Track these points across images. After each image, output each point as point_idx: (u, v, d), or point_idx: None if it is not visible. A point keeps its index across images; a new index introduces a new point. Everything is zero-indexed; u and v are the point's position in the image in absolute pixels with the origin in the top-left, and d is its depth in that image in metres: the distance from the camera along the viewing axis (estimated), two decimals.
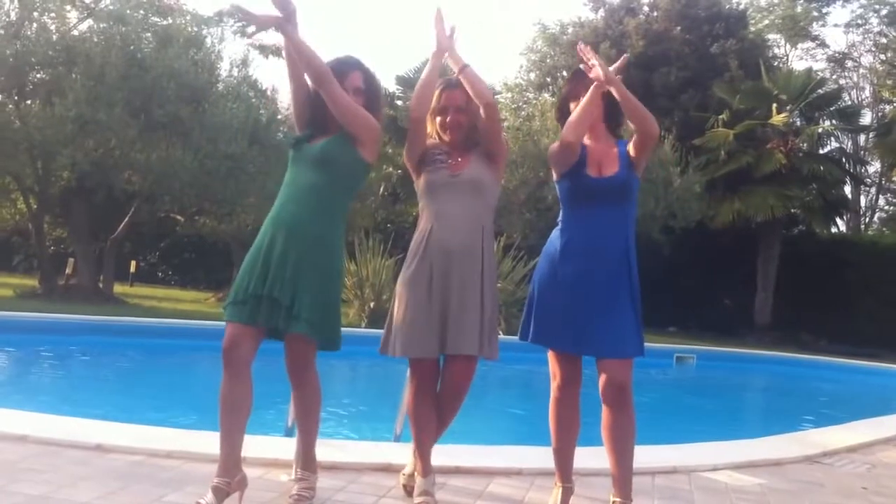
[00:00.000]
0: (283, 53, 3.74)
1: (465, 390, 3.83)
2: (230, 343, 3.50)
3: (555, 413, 3.85)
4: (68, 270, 18.48)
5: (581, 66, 3.80)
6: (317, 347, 3.64)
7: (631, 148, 3.78)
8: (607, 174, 3.75)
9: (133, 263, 22.60)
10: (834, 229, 24.89)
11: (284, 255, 3.54)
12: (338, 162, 3.65)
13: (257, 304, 3.52)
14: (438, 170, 3.84)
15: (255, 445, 4.13)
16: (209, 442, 3.69)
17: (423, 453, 3.83)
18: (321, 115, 3.71)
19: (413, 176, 3.99)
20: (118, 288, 18.19)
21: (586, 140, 3.84)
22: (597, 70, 3.65)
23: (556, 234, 3.84)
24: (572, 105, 3.82)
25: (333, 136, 3.67)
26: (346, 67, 3.72)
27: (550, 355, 3.83)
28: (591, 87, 3.69)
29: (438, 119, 3.90)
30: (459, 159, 3.86)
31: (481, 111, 3.81)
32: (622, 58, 3.90)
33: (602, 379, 3.69)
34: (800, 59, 33.97)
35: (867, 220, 33.01)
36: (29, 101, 15.80)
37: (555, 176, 3.89)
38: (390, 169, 22.05)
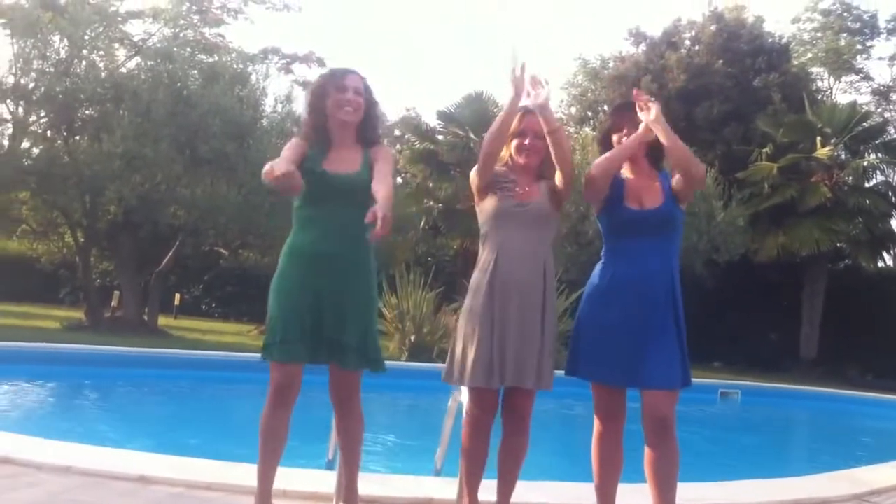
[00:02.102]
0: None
1: (527, 425, 3.83)
2: (285, 382, 3.56)
3: (598, 449, 3.81)
4: (114, 303, 18.71)
5: (634, 101, 3.78)
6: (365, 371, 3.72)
7: (675, 184, 3.77)
8: (649, 206, 3.73)
9: (177, 296, 22.81)
10: (881, 263, 24.52)
11: (337, 292, 3.60)
12: (370, 185, 3.65)
13: (314, 343, 3.57)
14: (506, 197, 3.80)
15: (296, 478, 4.14)
16: (248, 474, 3.71)
17: (471, 488, 3.82)
18: (323, 124, 3.73)
19: (476, 197, 3.94)
20: (162, 320, 18.37)
21: (626, 173, 3.83)
22: (654, 112, 3.63)
23: (599, 268, 3.83)
24: (615, 138, 3.82)
25: (363, 168, 3.69)
26: (344, 70, 3.78)
27: (595, 390, 3.79)
28: (641, 128, 3.68)
29: (516, 142, 3.86)
30: (527, 188, 3.83)
31: (559, 176, 3.82)
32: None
33: (645, 411, 3.67)
34: (844, 93, 33.66)
35: None
36: (77, 137, 16.12)
37: (595, 210, 3.88)
38: (431, 203, 22.11)
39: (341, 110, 3.69)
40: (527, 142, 3.82)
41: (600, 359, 3.70)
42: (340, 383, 3.71)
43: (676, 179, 3.76)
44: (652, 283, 3.68)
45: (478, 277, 3.80)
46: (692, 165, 3.70)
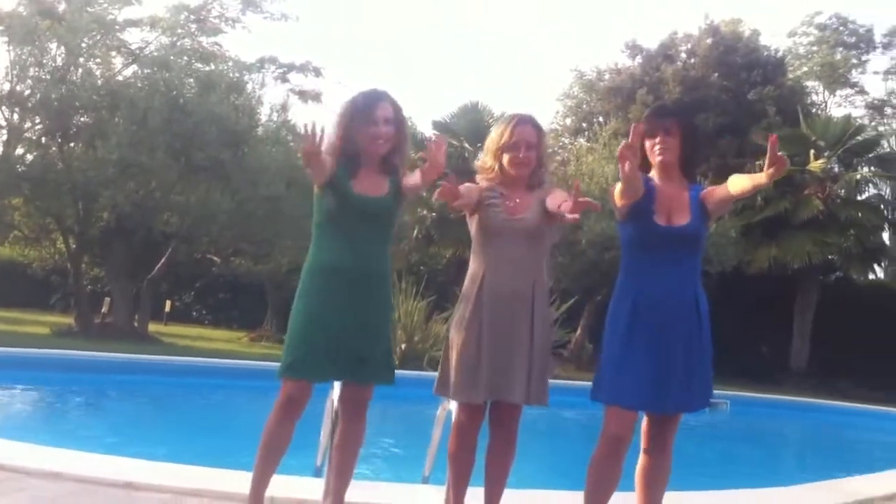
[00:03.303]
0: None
1: (514, 436, 3.82)
2: (298, 396, 3.59)
3: (599, 470, 3.62)
4: (104, 309, 18.69)
5: (660, 103, 3.67)
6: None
7: (710, 200, 3.65)
8: (678, 223, 3.61)
9: (168, 303, 22.81)
10: (872, 276, 24.60)
11: (361, 309, 3.64)
12: (395, 215, 3.80)
13: (336, 363, 3.61)
14: (495, 214, 3.77)
15: (283, 485, 4.14)
16: (238, 481, 3.72)
17: (457, 495, 3.84)
18: (354, 151, 3.76)
19: (466, 214, 3.93)
20: (153, 327, 18.36)
21: (657, 180, 3.70)
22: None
23: (624, 285, 3.68)
24: (647, 144, 3.67)
25: (392, 194, 3.75)
26: (374, 99, 3.76)
27: (612, 412, 3.58)
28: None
29: (508, 154, 3.79)
30: (518, 200, 3.80)
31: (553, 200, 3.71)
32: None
33: (655, 430, 3.69)
34: (838, 106, 33.83)
35: None
36: (72, 144, 16.14)
37: (618, 216, 3.72)
38: (424, 212, 22.12)
39: (374, 144, 3.72)
40: (521, 154, 3.78)
41: (623, 383, 3.54)
42: (356, 396, 3.77)
43: (720, 200, 3.64)
44: (679, 303, 3.59)
45: (468, 287, 3.81)
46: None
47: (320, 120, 3.53)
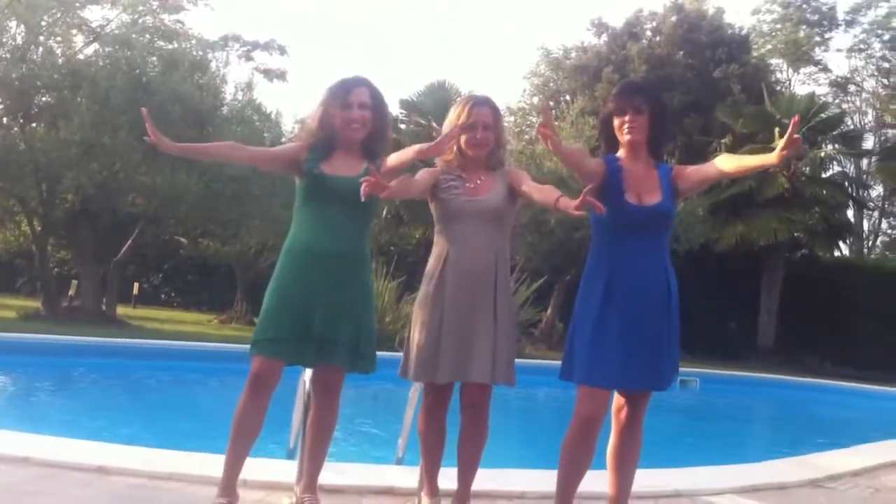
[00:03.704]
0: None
1: (485, 418, 3.82)
2: (264, 374, 3.57)
3: (573, 449, 3.60)
4: (71, 292, 18.50)
5: (628, 80, 3.66)
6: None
7: (688, 180, 3.66)
8: (649, 202, 3.60)
9: (136, 285, 22.62)
10: (837, 253, 24.93)
11: (333, 290, 3.62)
12: (371, 197, 3.70)
13: (303, 344, 3.59)
14: (454, 196, 3.78)
15: (255, 468, 4.12)
16: (210, 464, 3.70)
17: (430, 475, 3.87)
18: (330, 136, 3.76)
19: (428, 200, 3.93)
20: (121, 310, 18.19)
21: (624, 159, 3.68)
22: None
23: (595, 265, 3.66)
24: (616, 122, 3.65)
25: (364, 173, 3.62)
26: (351, 84, 3.78)
27: (585, 392, 3.55)
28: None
29: (466, 135, 3.79)
30: (479, 181, 3.80)
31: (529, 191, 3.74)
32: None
33: (628, 408, 3.71)
34: (802, 84, 34.10)
35: (870, 244, 32.96)
36: (34, 124, 15.88)
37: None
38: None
39: (348, 128, 3.73)
40: (478, 135, 3.78)
41: (597, 363, 3.52)
42: (326, 380, 3.74)
43: (701, 179, 3.67)
44: (650, 282, 3.58)
45: (431, 266, 3.82)
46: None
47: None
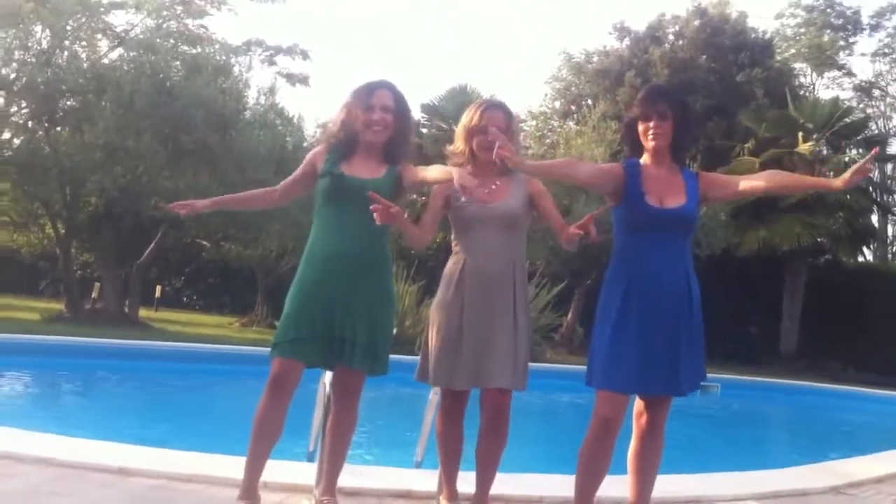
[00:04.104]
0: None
1: (506, 422, 3.79)
2: (284, 375, 3.58)
3: (591, 453, 3.58)
4: (94, 295, 18.61)
5: (653, 84, 3.69)
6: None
7: (720, 189, 3.70)
8: (671, 205, 3.58)
9: (158, 288, 22.73)
10: (860, 258, 24.71)
11: (353, 292, 3.63)
12: (391, 198, 3.69)
13: (324, 344, 3.61)
14: (468, 204, 3.73)
15: (276, 470, 4.14)
16: (229, 466, 3.72)
17: (448, 478, 3.88)
18: (351, 138, 3.78)
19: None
20: (143, 312, 18.30)
21: (648, 162, 3.69)
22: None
23: (616, 269, 3.66)
24: (641, 127, 3.65)
25: (388, 178, 3.72)
26: (373, 86, 3.79)
27: (603, 394, 3.54)
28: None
29: (477, 139, 3.80)
30: (493, 187, 3.79)
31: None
32: None
33: (650, 413, 3.70)
34: (826, 88, 33.90)
35: (894, 249, 32.70)
36: (59, 128, 16.01)
37: (609, 202, 3.73)
38: (415, 196, 22.07)
39: (369, 131, 3.74)
40: (490, 138, 3.71)
41: (615, 366, 3.52)
42: (346, 383, 3.75)
43: (728, 193, 3.75)
44: (673, 285, 3.57)
45: (449, 270, 3.83)
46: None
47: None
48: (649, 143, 3.65)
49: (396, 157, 3.80)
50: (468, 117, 3.84)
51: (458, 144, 3.88)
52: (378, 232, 3.71)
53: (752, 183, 3.69)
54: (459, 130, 3.87)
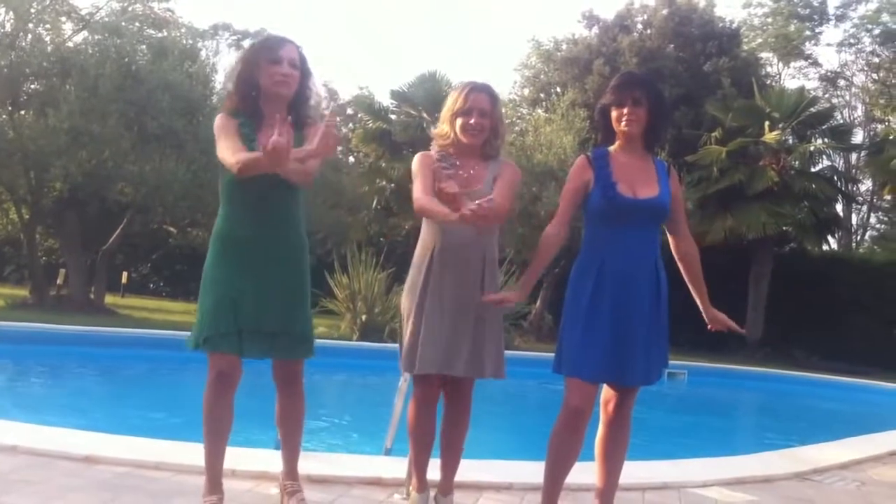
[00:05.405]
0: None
1: (467, 407, 3.83)
2: (226, 371, 3.44)
3: (563, 442, 3.60)
4: (59, 281, 18.44)
5: (628, 71, 3.66)
6: None
7: (674, 198, 3.69)
8: (644, 195, 3.57)
9: (125, 274, 22.55)
10: (825, 247, 24.99)
11: (272, 278, 3.49)
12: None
13: (255, 338, 3.46)
14: (448, 186, 3.67)
15: (244, 458, 4.13)
16: (197, 454, 3.69)
17: (419, 469, 3.84)
18: (254, 103, 3.52)
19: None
20: (109, 299, 18.15)
21: (618, 150, 3.67)
22: None
23: (586, 257, 3.64)
24: (614, 114, 3.62)
25: (295, 147, 3.39)
26: (281, 39, 3.55)
27: (574, 384, 3.53)
28: None
29: (461, 120, 3.73)
30: (472, 171, 3.75)
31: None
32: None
33: (618, 401, 3.71)
34: (792, 78, 34.18)
35: (859, 238, 33.12)
36: (23, 112, 15.81)
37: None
38: (383, 182, 22.07)
39: (274, 84, 3.48)
40: (472, 121, 3.71)
41: (585, 356, 3.52)
42: (288, 369, 3.66)
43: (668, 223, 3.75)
44: (641, 274, 3.58)
45: (419, 255, 3.78)
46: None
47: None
48: (622, 129, 3.62)
49: (302, 120, 3.60)
50: (453, 99, 3.78)
51: (444, 127, 3.81)
52: (292, 211, 3.55)
53: (677, 243, 3.80)
54: (444, 113, 3.81)
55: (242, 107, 3.53)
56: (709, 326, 3.97)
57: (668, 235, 3.80)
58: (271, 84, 3.48)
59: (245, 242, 3.49)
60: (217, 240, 3.55)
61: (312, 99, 3.66)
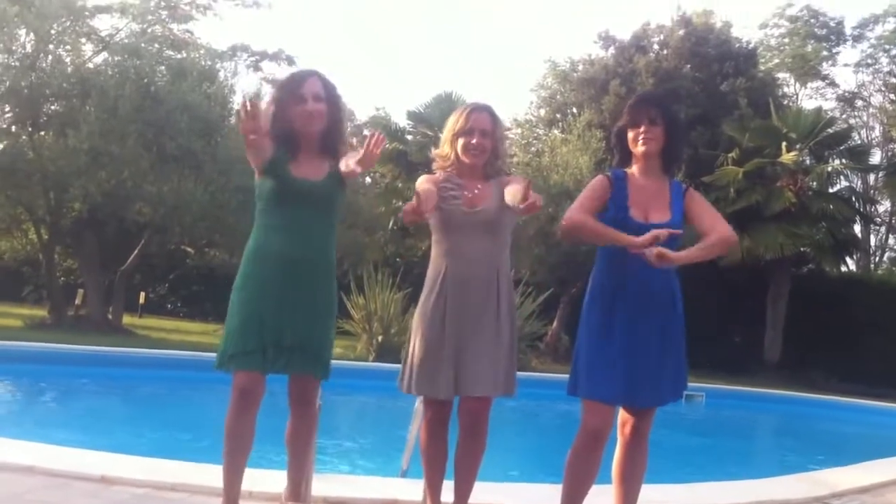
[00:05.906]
0: None
1: (483, 430, 3.77)
2: (251, 388, 3.49)
3: (577, 465, 3.60)
4: (78, 301, 18.51)
5: (645, 91, 3.63)
6: None
7: (691, 207, 3.66)
8: (656, 220, 3.55)
9: (142, 295, 22.63)
10: (844, 268, 24.82)
11: (302, 298, 3.54)
12: (337, 200, 3.68)
13: (275, 353, 3.51)
14: (455, 206, 3.72)
15: (261, 479, 4.12)
16: (213, 475, 3.69)
17: (433, 491, 3.83)
18: (289, 134, 3.63)
19: None
20: (127, 319, 18.21)
21: (635, 172, 3.67)
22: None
23: (599, 278, 3.65)
24: (631, 135, 3.63)
25: (332, 177, 3.62)
26: (302, 76, 3.67)
27: (590, 405, 3.54)
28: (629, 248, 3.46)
29: (462, 141, 3.75)
30: (476, 191, 3.75)
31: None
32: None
33: (634, 423, 3.69)
34: (809, 98, 34.12)
35: (877, 259, 32.89)
36: (43, 133, 15.93)
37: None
38: (400, 203, 22.09)
39: (305, 122, 3.60)
40: (474, 140, 3.73)
41: (602, 377, 3.51)
42: (302, 388, 3.69)
43: (696, 225, 3.67)
44: (658, 294, 3.57)
45: (431, 277, 3.79)
46: (729, 247, 3.70)
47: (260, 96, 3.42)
48: (639, 149, 3.62)
49: (334, 149, 3.68)
50: (454, 120, 3.81)
51: (445, 148, 3.83)
52: (325, 233, 3.64)
53: (709, 231, 3.67)
54: (446, 135, 3.83)
55: (280, 141, 3.62)
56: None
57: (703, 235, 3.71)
58: (301, 123, 3.60)
59: (275, 260, 3.55)
60: (248, 259, 3.63)
61: (343, 125, 3.77)
